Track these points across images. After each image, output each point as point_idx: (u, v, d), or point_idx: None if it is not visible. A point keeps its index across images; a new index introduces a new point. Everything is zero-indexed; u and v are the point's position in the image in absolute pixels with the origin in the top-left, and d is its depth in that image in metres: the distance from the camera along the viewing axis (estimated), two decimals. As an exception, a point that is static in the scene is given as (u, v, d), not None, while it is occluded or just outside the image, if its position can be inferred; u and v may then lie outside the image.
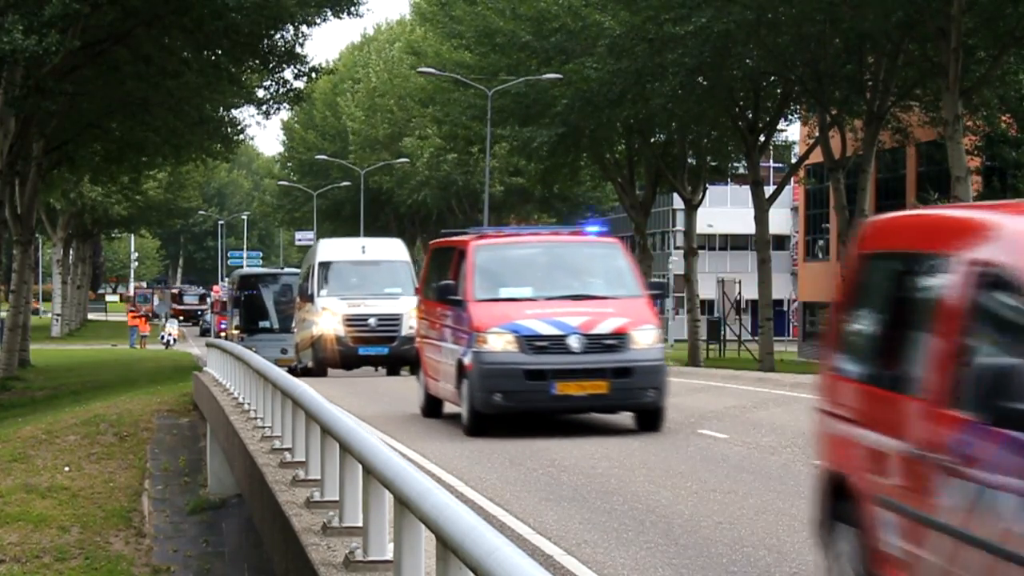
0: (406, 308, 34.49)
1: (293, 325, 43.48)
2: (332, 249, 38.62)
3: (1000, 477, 6.97)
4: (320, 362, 36.01)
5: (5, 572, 21.61)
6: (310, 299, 36.47)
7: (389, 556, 9.37)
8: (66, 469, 25.96)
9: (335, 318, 35.47)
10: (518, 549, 6.21)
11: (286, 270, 58.61)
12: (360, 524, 10.21)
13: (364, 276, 37.10)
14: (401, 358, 35.25)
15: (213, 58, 43.41)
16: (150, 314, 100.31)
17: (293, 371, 40.65)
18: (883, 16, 39.44)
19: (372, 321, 35.44)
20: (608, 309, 19.36)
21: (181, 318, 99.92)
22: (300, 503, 12.52)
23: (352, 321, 35.46)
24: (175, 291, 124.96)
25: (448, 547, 7.02)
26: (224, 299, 73.52)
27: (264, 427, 18.03)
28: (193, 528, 24.10)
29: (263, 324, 48.25)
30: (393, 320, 35.51)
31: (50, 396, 40.23)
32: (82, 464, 26.37)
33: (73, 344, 75.17)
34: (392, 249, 38.98)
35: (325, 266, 37.09)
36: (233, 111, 50.48)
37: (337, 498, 11.29)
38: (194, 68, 43.03)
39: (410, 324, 32.82)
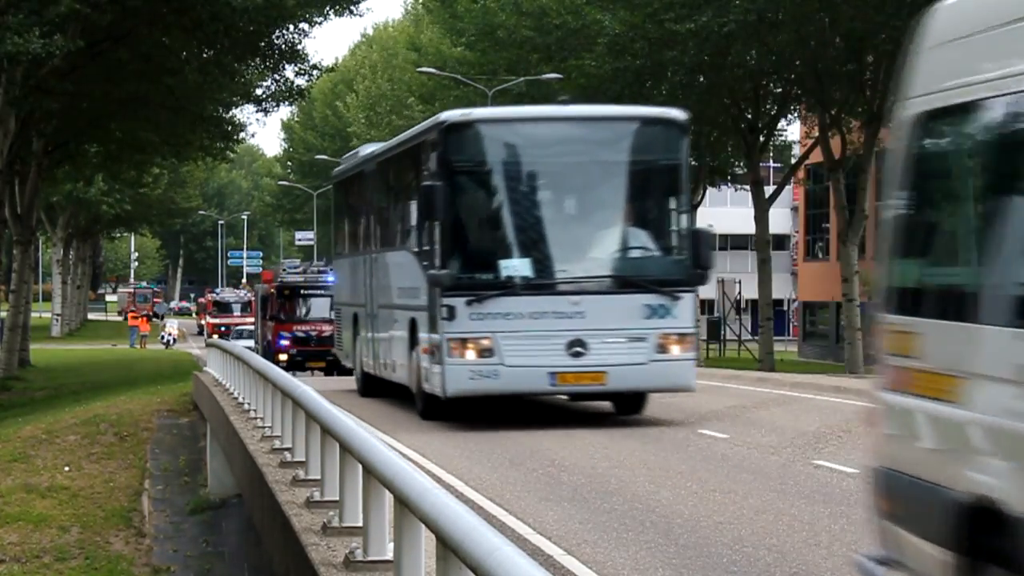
0: None
1: None
2: None
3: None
4: None
5: (5, 572, 21.61)
6: None
7: (389, 556, 9.37)
8: (66, 469, 25.96)
9: None
10: (518, 549, 6.20)
11: None
12: (360, 524, 10.21)
13: None
14: None
15: (213, 55, 43.41)
16: (150, 314, 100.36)
17: None
18: (883, 17, 39.43)
19: None
20: None
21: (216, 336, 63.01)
22: (300, 503, 12.52)
23: None
24: (211, 298, 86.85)
25: (448, 547, 7.01)
26: (280, 288, 48.62)
27: (264, 427, 18.04)
28: (193, 528, 24.09)
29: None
30: None
31: (50, 396, 40.21)
32: (82, 464, 26.37)
33: (73, 344, 75.13)
34: None
35: None
36: (233, 110, 50.51)
37: (337, 498, 11.29)
38: (194, 66, 43.03)
39: None
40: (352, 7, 42.09)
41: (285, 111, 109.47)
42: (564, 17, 48.57)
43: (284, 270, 52.13)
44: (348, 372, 39.42)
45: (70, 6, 34.77)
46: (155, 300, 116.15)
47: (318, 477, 12.63)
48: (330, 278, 47.57)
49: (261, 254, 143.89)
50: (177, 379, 37.18)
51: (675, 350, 19.60)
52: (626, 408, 21.49)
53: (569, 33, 48.44)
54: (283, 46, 43.19)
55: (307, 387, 13.83)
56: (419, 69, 63.23)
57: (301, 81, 46.12)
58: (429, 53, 64.19)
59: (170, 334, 76.07)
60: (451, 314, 19.37)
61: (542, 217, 19.98)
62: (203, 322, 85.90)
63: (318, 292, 46.62)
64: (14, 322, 47.22)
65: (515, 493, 14.08)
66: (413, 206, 21.99)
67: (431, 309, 20.05)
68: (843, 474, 15.10)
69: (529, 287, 19.50)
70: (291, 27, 42.60)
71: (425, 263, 20.51)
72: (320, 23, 43.13)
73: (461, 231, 19.95)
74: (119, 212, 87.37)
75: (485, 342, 19.29)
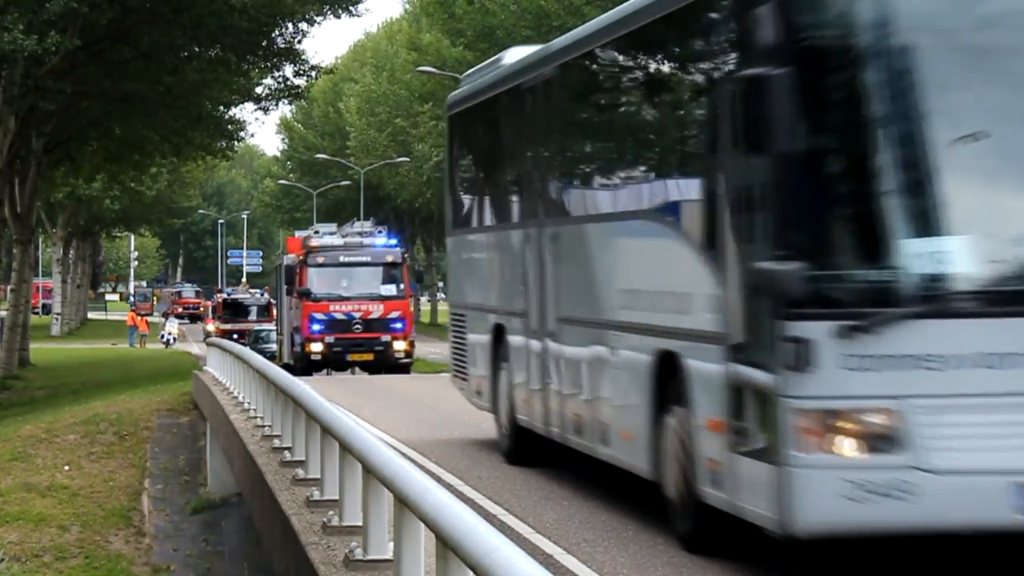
0: None
1: None
2: None
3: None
4: None
5: (5, 571, 21.61)
6: None
7: (389, 555, 9.37)
8: (66, 468, 25.96)
9: None
10: (518, 548, 6.20)
11: None
12: (360, 523, 10.21)
13: None
14: None
15: (213, 54, 43.41)
16: (149, 312, 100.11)
17: None
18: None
19: None
20: None
21: (236, 336, 53.05)
22: (300, 502, 12.52)
23: None
24: (221, 298, 74.34)
25: (448, 546, 7.01)
26: (311, 253, 37.42)
27: (264, 426, 18.04)
28: (193, 527, 24.10)
29: None
30: None
31: (50, 395, 40.21)
32: (82, 463, 26.37)
33: (73, 343, 75.12)
34: None
35: None
36: (233, 109, 50.49)
37: (337, 497, 11.30)
38: (194, 65, 43.02)
39: None
40: (351, 7, 42.07)
41: (285, 110, 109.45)
42: (564, 18, 48.61)
43: (316, 232, 40.70)
44: (400, 370, 30.55)
45: (67, 5, 34.74)
46: (196, 301, 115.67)
47: (318, 476, 12.63)
48: (379, 241, 37.24)
49: (261, 253, 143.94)
50: (177, 378, 37.14)
51: None
52: None
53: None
54: (282, 45, 43.19)
55: (307, 387, 13.82)
56: (419, 68, 63.28)
57: (300, 82, 46.13)
58: (429, 53, 64.26)
59: (170, 333, 76.00)
60: (804, 356, 9.07)
61: (997, 153, 9.36)
62: (210, 327, 69.28)
63: (364, 260, 36.42)
64: (14, 321, 47.22)
65: (515, 493, 14.06)
66: (672, 132, 11.84)
67: (741, 340, 9.80)
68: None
69: (975, 302, 9.19)
70: (290, 26, 42.60)
71: (720, 244, 10.14)
72: (320, 23, 43.16)
73: (826, 180, 9.29)
74: (119, 210, 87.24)
75: (880, 419, 9.07)
